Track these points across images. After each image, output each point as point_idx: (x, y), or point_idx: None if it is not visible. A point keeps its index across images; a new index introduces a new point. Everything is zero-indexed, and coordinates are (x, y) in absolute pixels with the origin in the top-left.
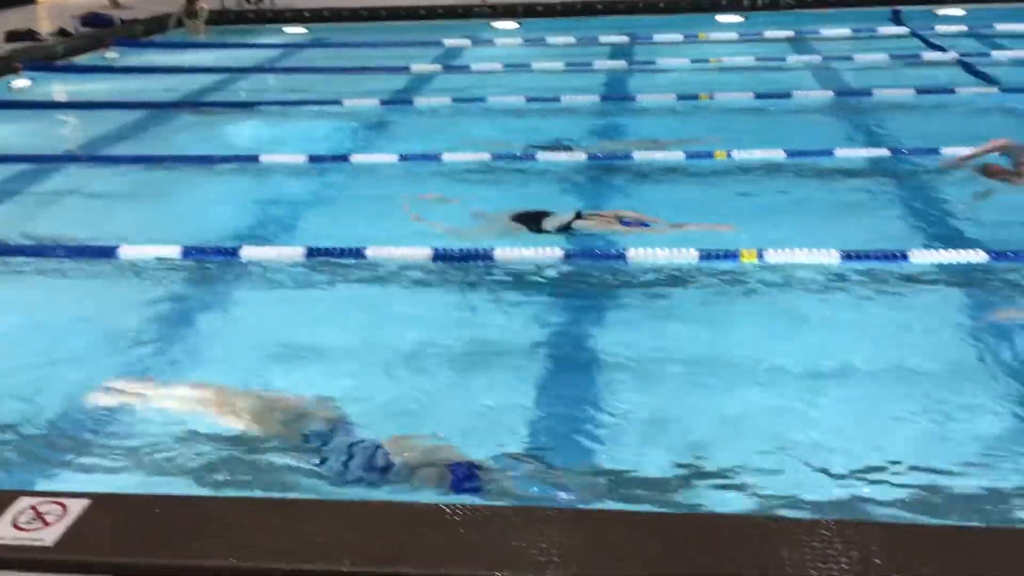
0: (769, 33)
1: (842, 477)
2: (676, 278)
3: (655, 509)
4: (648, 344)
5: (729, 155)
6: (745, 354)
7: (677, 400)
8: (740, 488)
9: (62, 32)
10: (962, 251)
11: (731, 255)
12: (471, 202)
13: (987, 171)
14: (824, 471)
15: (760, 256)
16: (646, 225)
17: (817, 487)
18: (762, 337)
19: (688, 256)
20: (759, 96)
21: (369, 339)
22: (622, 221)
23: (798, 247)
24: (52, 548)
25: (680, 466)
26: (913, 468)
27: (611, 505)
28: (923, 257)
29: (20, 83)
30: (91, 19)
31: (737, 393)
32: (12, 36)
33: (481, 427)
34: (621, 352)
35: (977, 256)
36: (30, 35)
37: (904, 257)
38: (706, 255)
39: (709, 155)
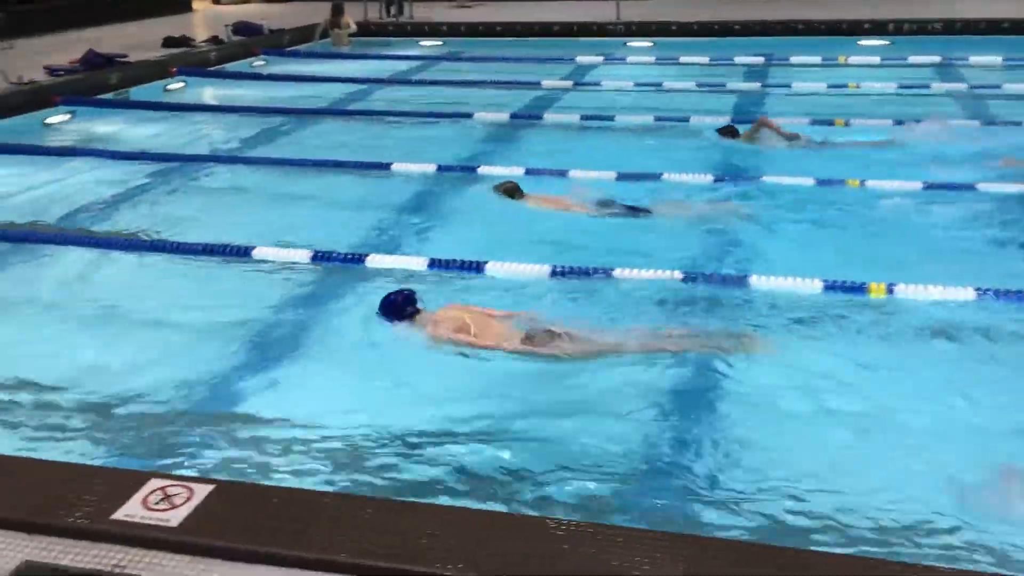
0: (914, 58)
1: None
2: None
3: (761, 540)
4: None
5: (862, 184)
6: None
7: None
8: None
9: (215, 39)
10: None
11: (858, 288)
12: None
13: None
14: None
15: (890, 291)
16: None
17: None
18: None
19: (812, 287)
20: (898, 123)
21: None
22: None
23: (931, 283)
24: (177, 529)
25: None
26: None
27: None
28: None
29: (174, 86)
30: (242, 28)
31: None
32: (169, 42)
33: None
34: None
35: None
36: (185, 41)
37: None
38: (831, 286)
39: (840, 183)
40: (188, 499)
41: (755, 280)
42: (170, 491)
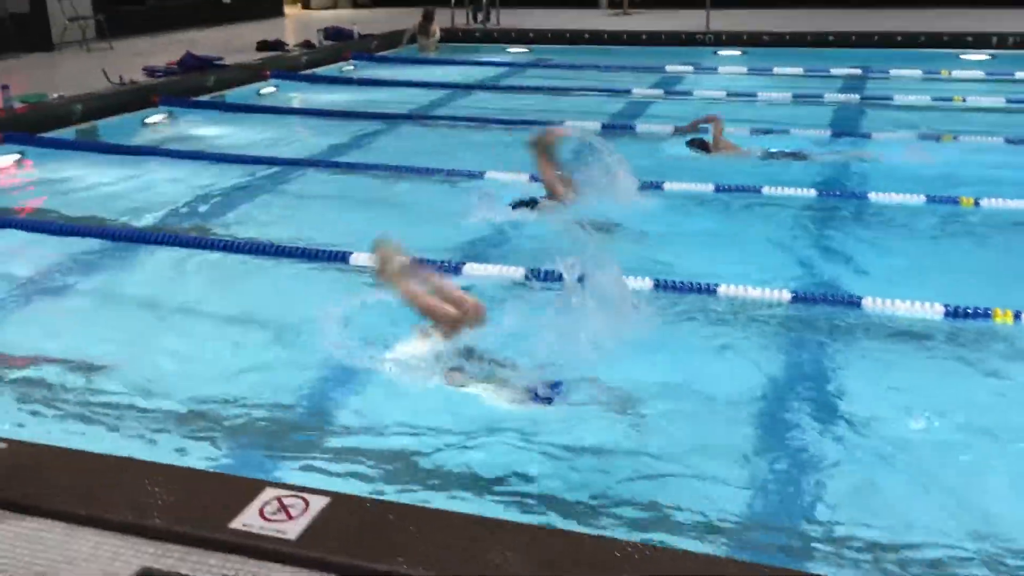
0: (1020, 74)
1: None
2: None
3: None
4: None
5: (976, 203)
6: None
7: None
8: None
9: (307, 44)
10: None
11: (983, 314)
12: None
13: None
14: None
15: (1018, 318)
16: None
17: None
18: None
19: (932, 312)
20: (1009, 141)
21: None
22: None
23: None
24: (294, 542)
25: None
26: None
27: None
28: None
29: (268, 89)
30: (333, 32)
31: None
32: (263, 46)
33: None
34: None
35: None
36: (279, 45)
37: None
38: (952, 312)
39: (954, 201)
40: (304, 510)
41: (869, 303)
42: (286, 501)
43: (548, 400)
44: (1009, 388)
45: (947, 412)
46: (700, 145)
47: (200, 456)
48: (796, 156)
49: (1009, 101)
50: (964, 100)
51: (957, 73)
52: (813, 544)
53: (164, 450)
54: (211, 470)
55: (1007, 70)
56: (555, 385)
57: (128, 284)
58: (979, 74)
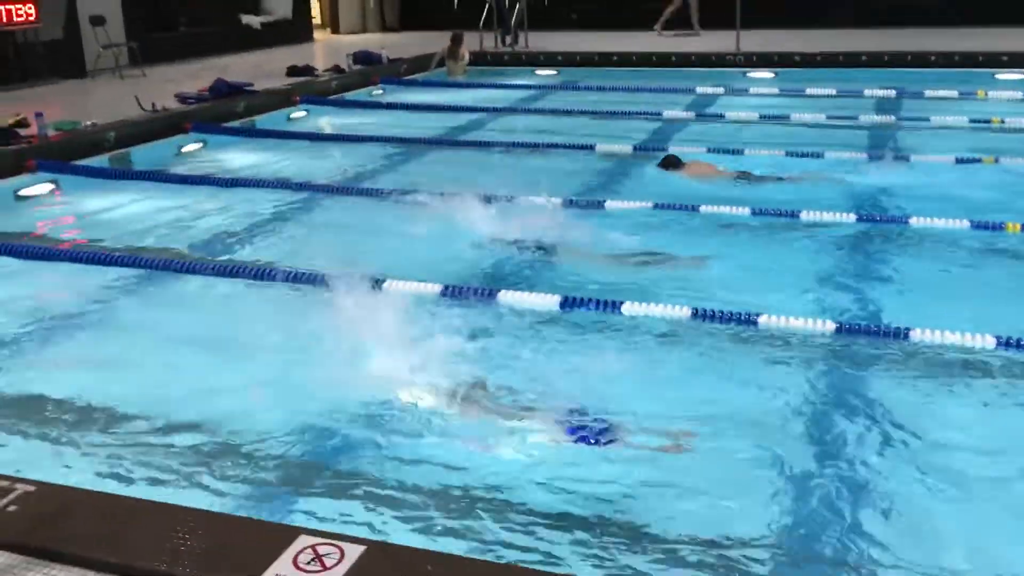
0: None
1: None
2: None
3: None
4: None
5: None
6: None
7: None
8: None
9: (336, 68)
10: None
11: None
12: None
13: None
14: None
15: None
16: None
17: None
18: None
19: (983, 342)
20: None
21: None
22: None
23: None
24: None
25: None
26: None
27: None
28: None
29: (298, 114)
30: (362, 57)
31: None
32: (293, 71)
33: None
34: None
35: None
36: (308, 70)
37: None
38: (1004, 343)
39: (1000, 227)
40: (339, 560)
41: (918, 334)
42: (321, 550)
43: (587, 438)
44: None
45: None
46: (673, 163)
47: (230, 497)
48: (769, 178)
49: None
50: (1003, 122)
51: (993, 93)
52: None
53: (193, 491)
54: (242, 515)
55: None
56: (591, 423)
57: (159, 316)
58: (1017, 95)
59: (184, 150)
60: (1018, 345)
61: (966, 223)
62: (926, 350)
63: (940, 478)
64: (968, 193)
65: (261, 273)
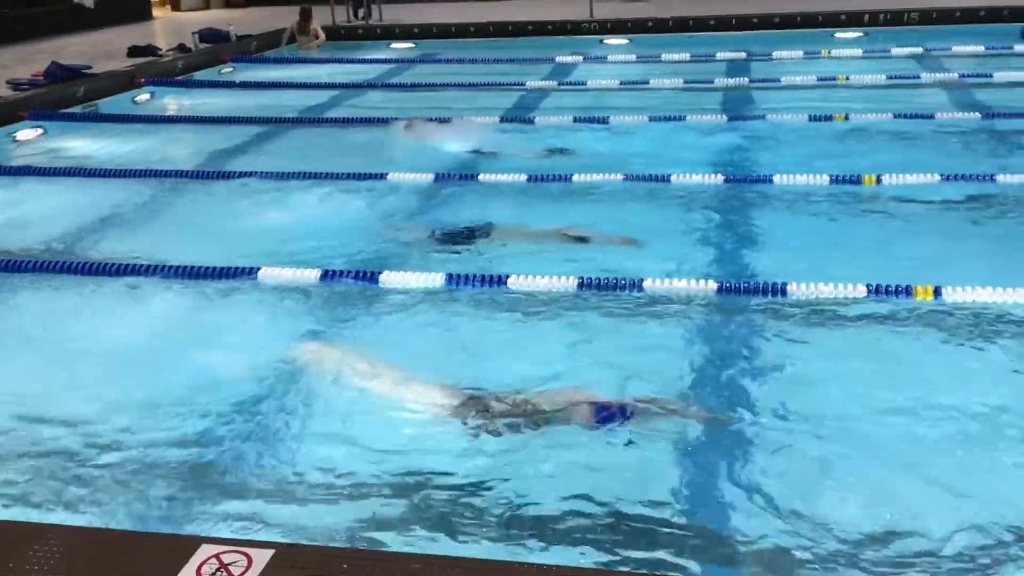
0: (896, 50)
1: None
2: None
3: None
4: None
5: (878, 180)
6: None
7: None
8: None
9: (181, 47)
10: None
11: (903, 291)
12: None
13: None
14: None
15: (937, 294)
16: None
17: None
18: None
19: (856, 292)
20: (898, 116)
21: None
22: None
23: (979, 284)
24: None
25: None
26: None
27: None
28: None
29: (143, 97)
30: (208, 35)
31: None
32: (134, 51)
33: None
34: None
35: None
36: (151, 50)
37: None
38: (874, 290)
39: (857, 180)
40: (247, 568)
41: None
42: (226, 558)
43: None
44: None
45: None
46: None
47: (124, 515)
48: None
49: (889, 77)
50: (848, 79)
51: (836, 52)
52: None
53: (84, 511)
54: (138, 530)
55: (882, 47)
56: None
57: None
58: (857, 52)
59: (21, 138)
60: (887, 292)
61: (826, 178)
62: (803, 304)
63: (817, 422)
64: (824, 148)
65: (117, 269)
